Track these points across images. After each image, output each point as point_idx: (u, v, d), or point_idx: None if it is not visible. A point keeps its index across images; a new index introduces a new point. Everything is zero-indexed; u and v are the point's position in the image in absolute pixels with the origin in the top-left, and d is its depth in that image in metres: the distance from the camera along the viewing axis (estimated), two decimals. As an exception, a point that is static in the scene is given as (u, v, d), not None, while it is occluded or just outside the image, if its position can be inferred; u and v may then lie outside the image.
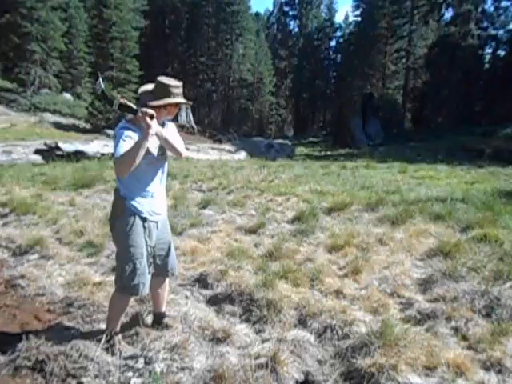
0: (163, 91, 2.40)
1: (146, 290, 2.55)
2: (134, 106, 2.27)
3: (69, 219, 5.42)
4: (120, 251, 2.49)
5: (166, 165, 2.65)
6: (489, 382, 2.27)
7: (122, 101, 2.25)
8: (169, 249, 2.71)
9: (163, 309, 2.86)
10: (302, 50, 57.05)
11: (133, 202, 2.43)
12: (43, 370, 2.32)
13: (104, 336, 2.53)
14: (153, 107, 2.33)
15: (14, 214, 5.70)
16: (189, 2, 47.25)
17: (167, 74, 2.75)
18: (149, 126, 2.18)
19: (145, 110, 2.19)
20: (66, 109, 30.68)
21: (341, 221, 5.28)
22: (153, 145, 2.41)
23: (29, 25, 28.97)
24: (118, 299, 2.57)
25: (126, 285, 2.46)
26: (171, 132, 2.55)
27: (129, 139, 2.26)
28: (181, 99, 2.47)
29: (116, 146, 2.25)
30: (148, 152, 2.33)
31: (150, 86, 2.50)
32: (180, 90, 2.45)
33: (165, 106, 2.42)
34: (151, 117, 2.18)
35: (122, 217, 2.43)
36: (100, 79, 2.35)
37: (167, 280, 2.83)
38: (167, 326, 2.78)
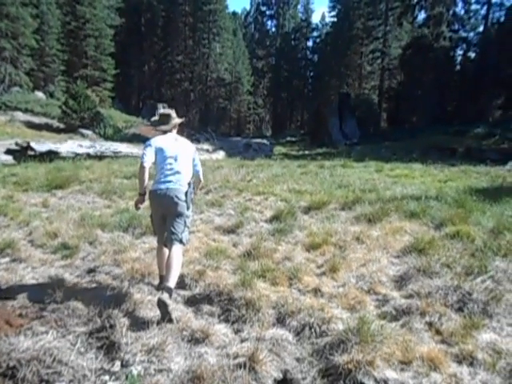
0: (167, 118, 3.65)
1: None
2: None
3: (42, 221, 5.28)
4: (187, 215, 3.33)
5: None
6: (461, 374, 2.33)
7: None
8: None
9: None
10: (280, 49, 57.17)
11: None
12: (15, 376, 2.25)
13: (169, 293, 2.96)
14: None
15: (-16, 216, 5.51)
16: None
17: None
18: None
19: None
20: (38, 108, 29.73)
21: (319, 219, 5.33)
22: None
23: (-2, 21, 28.01)
24: (182, 251, 3.31)
25: (187, 237, 3.37)
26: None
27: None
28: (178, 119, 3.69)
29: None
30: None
31: (156, 117, 3.77)
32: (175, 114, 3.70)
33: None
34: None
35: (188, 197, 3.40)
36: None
37: None
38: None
